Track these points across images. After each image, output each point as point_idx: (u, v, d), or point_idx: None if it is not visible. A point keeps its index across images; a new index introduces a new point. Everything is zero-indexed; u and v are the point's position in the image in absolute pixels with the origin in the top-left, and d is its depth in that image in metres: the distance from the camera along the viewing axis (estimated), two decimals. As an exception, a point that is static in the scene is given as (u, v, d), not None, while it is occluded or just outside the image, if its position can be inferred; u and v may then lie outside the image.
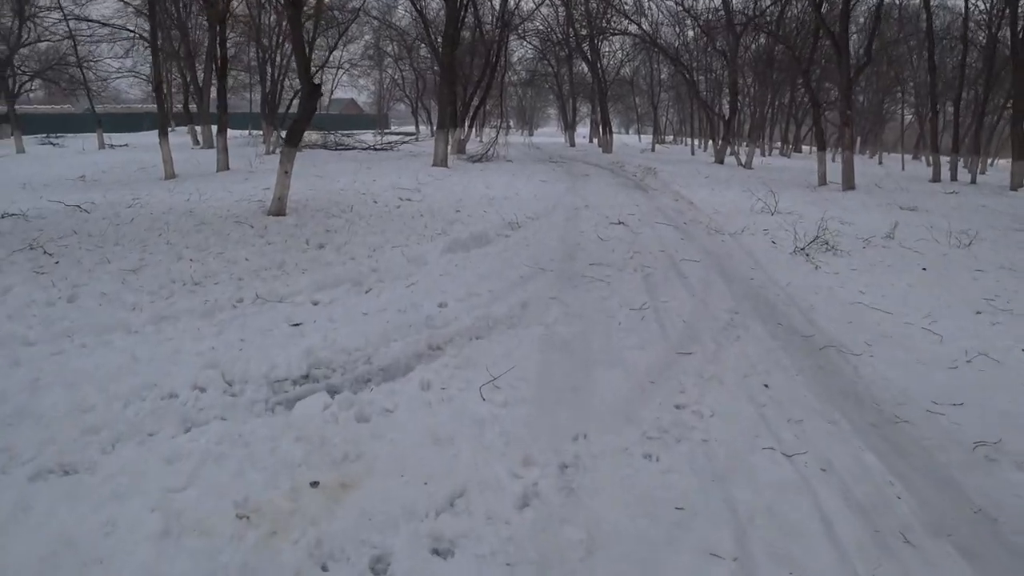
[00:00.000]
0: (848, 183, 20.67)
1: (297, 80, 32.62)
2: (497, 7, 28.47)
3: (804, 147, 52.28)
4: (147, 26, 23.02)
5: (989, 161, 47.14)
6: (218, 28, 20.08)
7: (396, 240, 10.03)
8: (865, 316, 7.13)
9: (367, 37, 45.42)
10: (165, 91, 45.88)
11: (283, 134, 32.02)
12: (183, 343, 5.64)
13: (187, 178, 17.71)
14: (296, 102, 32.73)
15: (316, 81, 11.92)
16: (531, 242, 10.34)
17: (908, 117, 51.35)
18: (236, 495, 3.50)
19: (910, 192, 21.07)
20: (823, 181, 22.40)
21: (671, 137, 67.92)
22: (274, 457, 3.89)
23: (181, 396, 4.62)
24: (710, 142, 45.78)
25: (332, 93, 64.33)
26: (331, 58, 58.02)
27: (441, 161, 21.56)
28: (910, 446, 4.41)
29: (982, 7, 29.30)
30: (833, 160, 42.85)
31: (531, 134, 76.14)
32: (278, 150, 28.01)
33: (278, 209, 11.48)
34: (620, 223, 12.34)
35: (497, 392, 4.87)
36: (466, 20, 26.52)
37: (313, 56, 30.91)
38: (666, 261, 9.43)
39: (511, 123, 66.33)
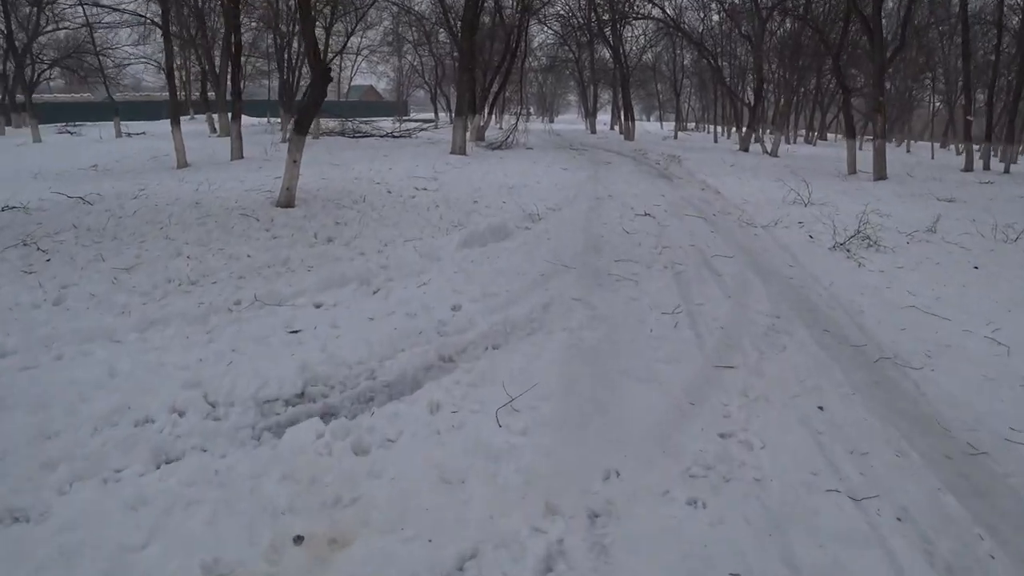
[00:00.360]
0: (880, 172, 19.85)
1: (315, 67, 32.24)
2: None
3: (829, 135, 51.14)
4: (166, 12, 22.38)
5: (1020, 149, 45.80)
6: (232, 13, 19.51)
7: (409, 233, 9.45)
8: (920, 322, 6.46)
9: (386, 23, 44.68)
10: (184, 78, 45.80)
11: (301, 121, 31.85)
12: (168, 354, 5.08)
13: (200, 167, 17.24)
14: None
15: (328, 66, 11.26)
16: (552, 235, 9.71)
17: (937, 104, 50.05)
18: (205, 554, 2.93)
19: (944, 182, 20.24)
20: (852, 170, 21.59)
21: (693, 124, 66.85)
22: (254, 501, 3.32)
23: (157, 421, 4.06)
24: (733, 129, 44.92)
25: (351, 80, 64.04)
26: (349, 44, 57.64)
27: (459, 149, 20.94)
28: (994, 485, 3.78)
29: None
30: (860, 148, 41.70)
31: (551, 121, 75.27)
32: (295, 138, 27.73)
33: (287, 200, 10.91)
34: (646, 214, 11.68)
35: (515, 416, 4.26)
36: (485, 4, 25.83)
37: (331, 42, 30.38)
38: (697, 257, 8.77)
39: (531, 110, 65.49)
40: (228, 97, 26.27)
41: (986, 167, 26.97)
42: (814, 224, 11.06)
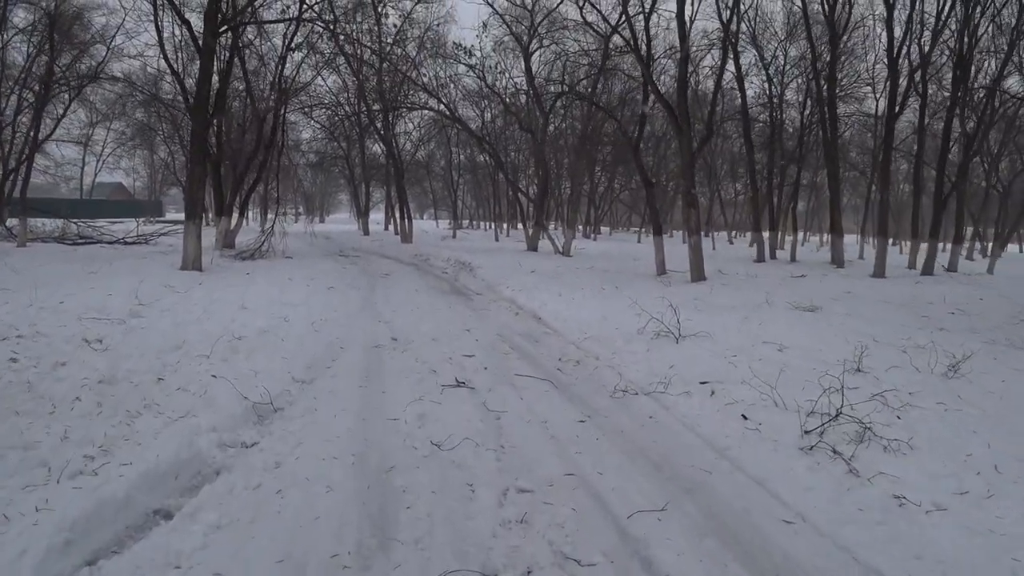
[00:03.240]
0: (698, 273, 16.52)
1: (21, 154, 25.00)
2: (273, 72, 22.57)
3: (603, 228, 49.72)
4: None
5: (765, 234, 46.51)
6: None
7: (-42, 500, 3.92)
8: None
9: (138, 113, 37.45)
10: None
11: (7, 224, 24.27)
12: None
13: None
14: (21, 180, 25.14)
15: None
16: (289, 480, 4.42)
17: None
18: None
19: (763, 279, 17.37)
20: (662, 270, 18.26)
21: (467, 222, 63.90)
22: None
23: None
24: (517, 227, 42.05)
25: (96, 176, 55.05)
26: (94, 136, 49.19)
27: (192, 262, 15.08)
28: None
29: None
30: (639, 241, 40.07)
31: (322, 221, 69.70)
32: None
33: None
34: (460, 384, 6.77)
35: None
36: (230, 83, 20.49)
37: (41, 126, 23.50)
38: (603, 522, 3.94)
39: (300, 209, 59.60)
40: None
41: (772, 256, 25.34)
42: (730, 386, 6.68)
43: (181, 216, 49.47)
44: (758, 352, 7.99)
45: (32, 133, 22.99)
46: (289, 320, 9.50)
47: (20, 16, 27.26)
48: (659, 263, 18.44)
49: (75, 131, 37.95)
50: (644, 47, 18.13)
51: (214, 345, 7.60)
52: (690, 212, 17.25)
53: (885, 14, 19.53)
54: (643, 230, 45.57)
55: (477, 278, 16.20)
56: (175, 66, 20.17)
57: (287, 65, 21.66)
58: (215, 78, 17.94)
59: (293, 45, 20.43)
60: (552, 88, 25.27)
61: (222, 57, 18.92)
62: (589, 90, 24.24)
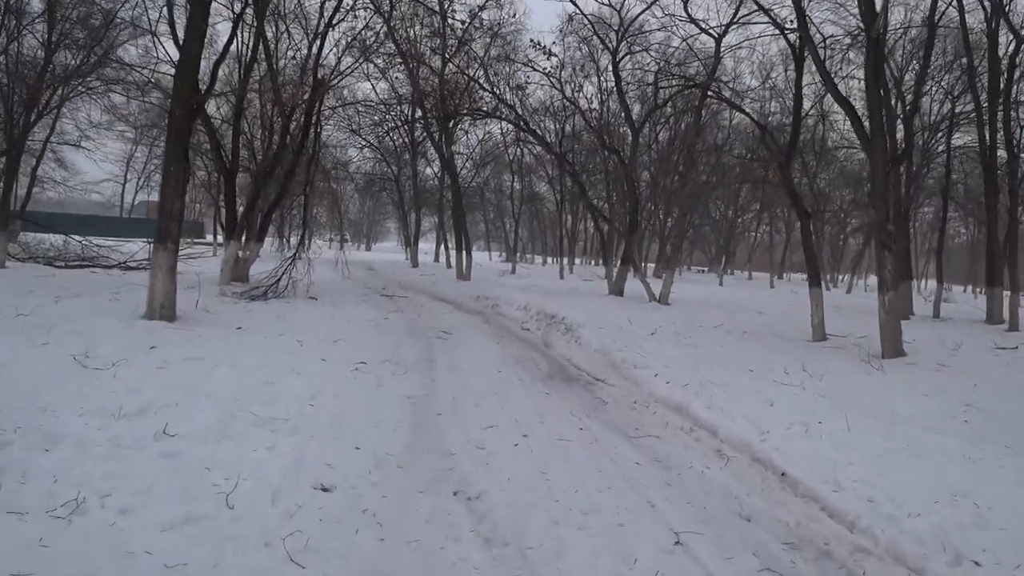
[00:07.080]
0: (894, 348, 10.58)
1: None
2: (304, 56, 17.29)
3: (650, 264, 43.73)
4: None
5: (856, 279, 40.12)
6: None
7: None
8: None
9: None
10: None
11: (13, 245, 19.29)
12: None
13: None
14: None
15: None
16: None
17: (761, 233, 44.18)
18: None
19: (965, 352, 11.26)
20: (822, 334, 12.34)
21: (518, 255, 58.35)
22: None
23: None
24: (577, 262, 36.62)
25: (136, 194, 50.52)
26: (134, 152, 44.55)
27: (160, 310, 9.42)
28: None
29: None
30: (721, 284, 33.88)
31: (368, 249, 64.75)
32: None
33: None
34: None
35: None
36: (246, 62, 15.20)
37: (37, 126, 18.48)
38: None
39: (347, 235, 54.53)
40: None
41: (936, 315, 18.89)
42: None
43: (220, 238, 44.37)
44: None
45: (15, 132, 18.03)
46: (235, 506, 3.72)
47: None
48: (817, 324, 12.50)
49: (75, 135, 32.30)
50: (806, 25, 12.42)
51: None
52: (885, 256, 11.30)
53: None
54: (722, 270, 39.28)
55: (581, 344, 10.35)
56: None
57: (325, 50, 16.29)
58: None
59: (334, 21, 15.04)
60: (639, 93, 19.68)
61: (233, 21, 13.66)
62: (697, 104, 18.69)
